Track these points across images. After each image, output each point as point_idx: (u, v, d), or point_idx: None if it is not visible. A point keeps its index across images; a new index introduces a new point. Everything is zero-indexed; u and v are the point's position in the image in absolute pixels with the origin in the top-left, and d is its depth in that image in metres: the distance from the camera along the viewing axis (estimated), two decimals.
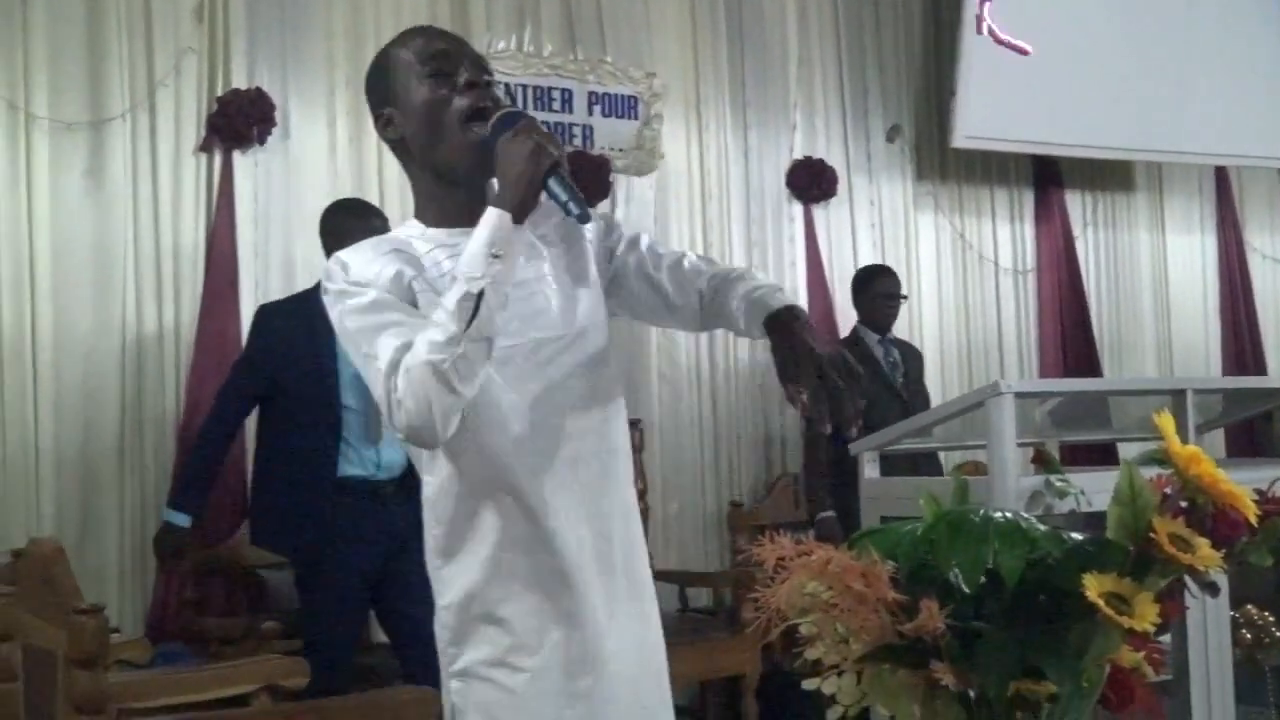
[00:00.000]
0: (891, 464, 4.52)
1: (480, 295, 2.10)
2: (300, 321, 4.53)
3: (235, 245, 5.47)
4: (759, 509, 6.63)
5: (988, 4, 7.13)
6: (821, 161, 7.12)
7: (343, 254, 2.31)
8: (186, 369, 5.36)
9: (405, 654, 4.59)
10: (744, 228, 6.90)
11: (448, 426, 2.14)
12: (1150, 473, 1.70)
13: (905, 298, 6.53)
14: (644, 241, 2.48)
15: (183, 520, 4.87)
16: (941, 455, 6.16)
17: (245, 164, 5.54)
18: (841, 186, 7.20)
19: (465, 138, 2.28)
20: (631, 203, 6.50)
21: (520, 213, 2.17)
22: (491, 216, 2.16)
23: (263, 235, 5.58)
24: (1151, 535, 1.63)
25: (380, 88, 2.41)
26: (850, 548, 1.71)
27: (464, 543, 2.28)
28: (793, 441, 6.82)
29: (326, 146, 5.76)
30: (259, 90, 5.51)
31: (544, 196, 2.19)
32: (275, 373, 4.67)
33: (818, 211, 7.15)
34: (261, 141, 5.54)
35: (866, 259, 7.13)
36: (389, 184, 5.84)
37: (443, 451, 2.26)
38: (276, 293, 5.56)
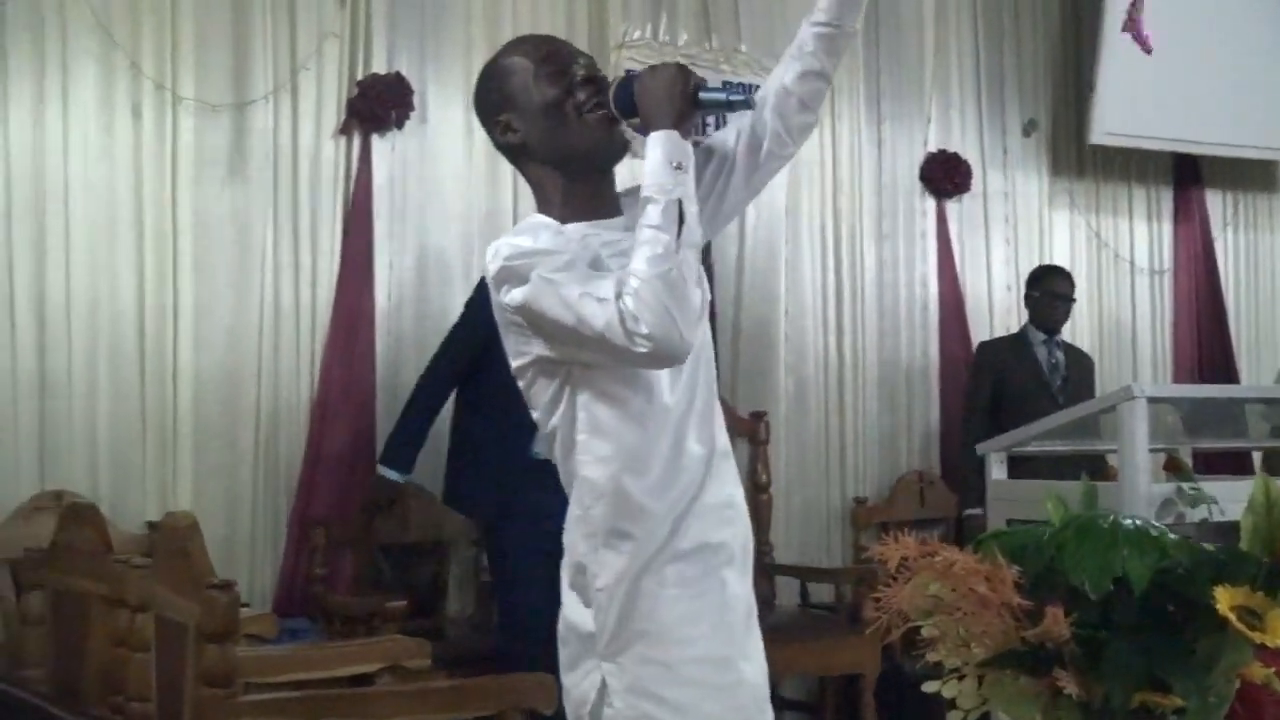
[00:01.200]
0: (1031, 467, 4.48)
1: (680, 202, 2.18)
2: None
3: (371, 228, 5.55)
4: (883, 506, 6.59)
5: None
6: (956, 155, 7.05)
7: (509, 238, 2.33)
8: (322, 348, 5.45)
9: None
10: (875, 220, 6.85)
11: (691, 334, 2.19)
12: None
13: (1074, 300, 6.48)
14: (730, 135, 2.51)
15: (394, 475, 5.10)
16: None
17: (383, 147, 5.61)
18: (975, 181, 7.12)
19: (591, 119, 2.34)
20: (761, 192, 6.46)
21: (682, 125, 2.24)
22: (657, 137, 2.23)
23: (399, 218, 5.65)
24: None
25: (493, 96, 2.43)
26: (975, 550, 1.70)
27: (628, 525, 2.31)
28: (919, 438, 6.78)
29: (463, 131, 5.81)
30: (398, 75, 5.57)
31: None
32: (479, 353, 4.73)
33: (951, 206, 7.08)
34: (400, 125, 5.60)
35: (999, 256, 7.07)
36: None
37: (603, 428, 2.30)
38: (409, 275, 5.63)
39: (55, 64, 5.05)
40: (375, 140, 5.58)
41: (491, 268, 2.31)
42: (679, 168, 2.20)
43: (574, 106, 2.35)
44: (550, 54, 2.39)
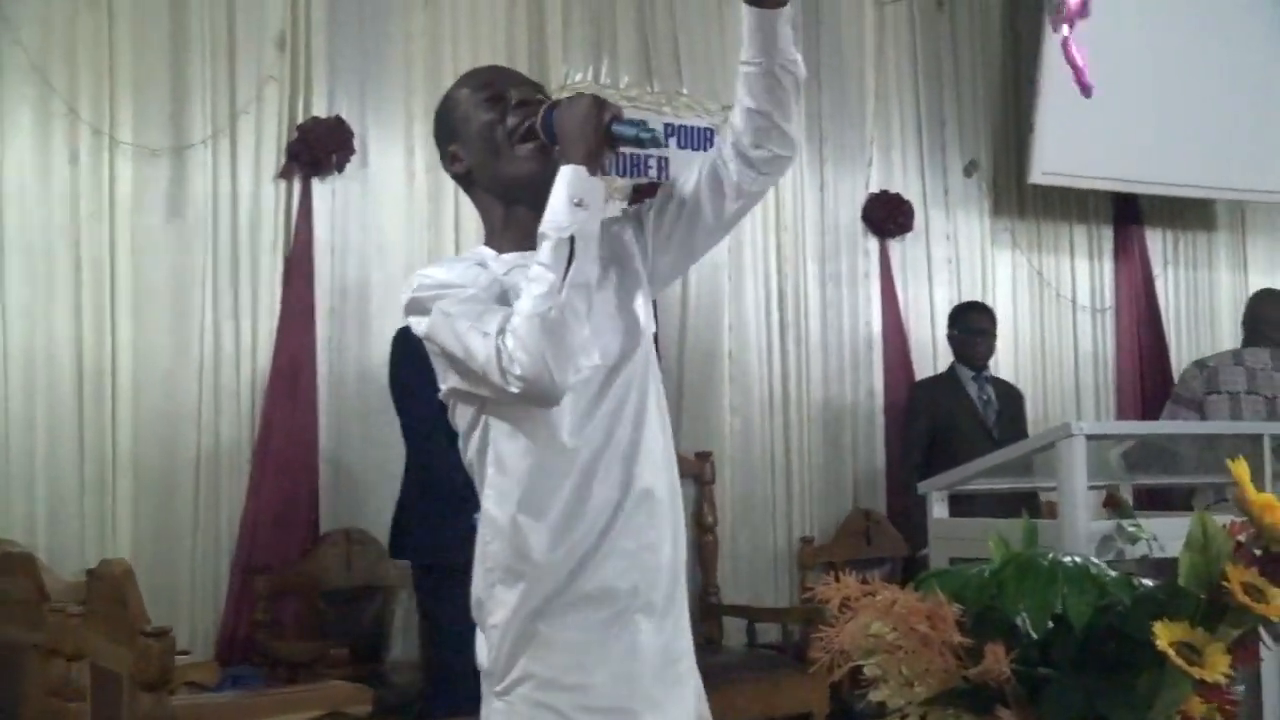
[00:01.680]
0: (975, 505, 4.48)
1: (572, 240, 2.16)
2: None
3: (312, 271, 5.52)
4: (828, 545, 6.59)
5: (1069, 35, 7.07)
6: (898, 196, 7.09)
7: (426, 269, 2.36)
8: (263, 393, 5.40)
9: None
10: (819, 262, 6.88)
11: (564, 377, 2.17)
12: (1224, 519, 1.67)
13: (994, 334, 6.50)
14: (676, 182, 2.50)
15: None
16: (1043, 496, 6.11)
17: (324, 191, 5.59)
18: (918, 221, 7.17)
19: (523, 149, 2.33)
20: (730, 231, 6.46)
21: (592, 161, 2.22)
22: (566, 172, 2.21)
23: (339, 262, 5.62)
24: (1224, 584, 1.60)
25: (444, 127, 2.47)
26: (916, 588, 1.69)
27: (521, 565, 2.27)
28: (864, 478, 6.79)
29: (404, 174, 5.80)
30: (338, 118, 5.56)
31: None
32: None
33: (894, 246, 7.12)
34: (340, 169, 5.59)
35: (942, 295, 7.10)
36: (464, 213, 5.86)
37: (505, 464, 2.27)
38: (352, 319, 5.60)
39: None
40: (315, 184, 5.55)
41: (403, 297, 2.35)
42: (579, 204, 2.18)
43: (505, 134, 2.35)
44: (488, 81, 2.42)
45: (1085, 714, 1.56)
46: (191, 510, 5.27)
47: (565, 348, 2.15)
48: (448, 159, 2.46)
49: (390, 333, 5.47)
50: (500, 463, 2.28)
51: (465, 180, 2.44)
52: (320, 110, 5.57)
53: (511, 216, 2.38)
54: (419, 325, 2.29)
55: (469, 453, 2.35)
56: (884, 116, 7.19)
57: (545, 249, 2.17)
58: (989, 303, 7.33)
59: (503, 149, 2.35)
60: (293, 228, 5.51)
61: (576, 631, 2.26)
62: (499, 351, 2.14)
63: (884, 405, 6.95)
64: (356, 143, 5.60)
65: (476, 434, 2.32)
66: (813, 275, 6.86)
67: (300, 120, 5.53)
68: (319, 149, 5.50)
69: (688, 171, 2.48)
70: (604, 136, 2.23)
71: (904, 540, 6.28)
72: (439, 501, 4.66)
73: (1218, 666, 1.55)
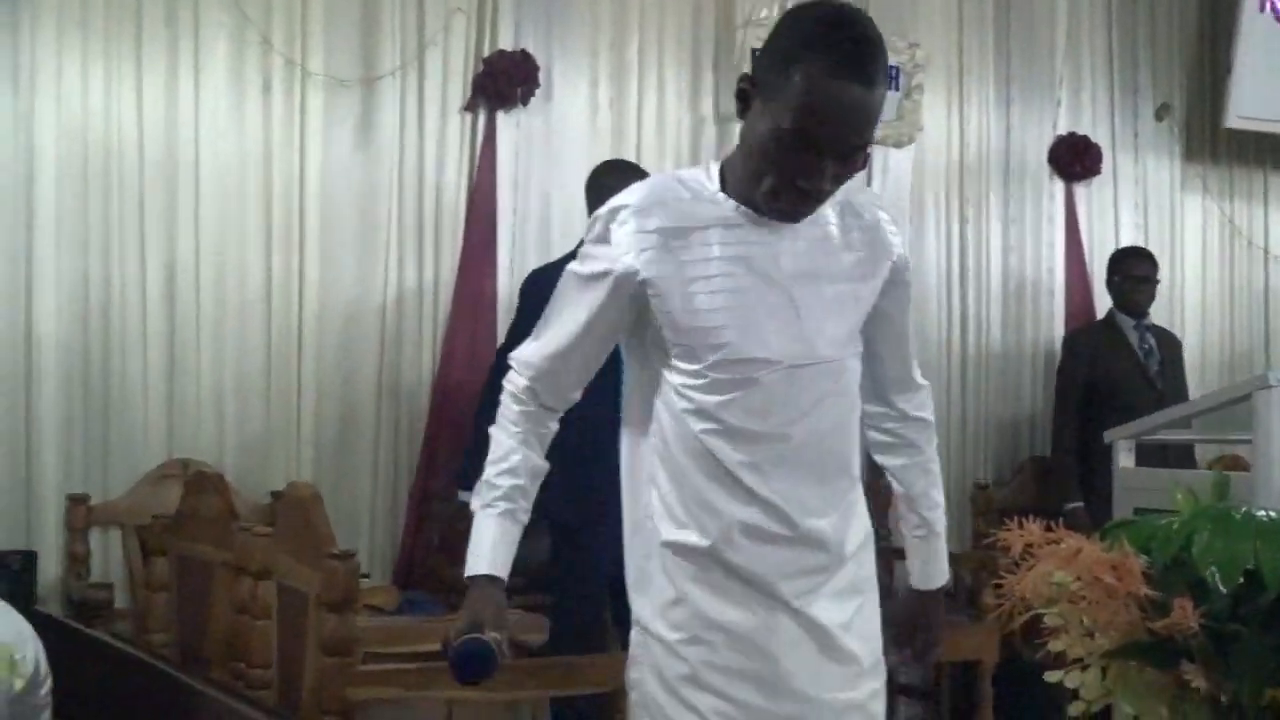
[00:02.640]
0: (1142, 455, 4.39)
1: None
2: None
3: (495, 205, 5.57)
4: (1003, 492, 6.51)
5: None
6: (1086, 138, 6.93)
7: (631, 198, 2.24)
8: (444, 325, 5.49)
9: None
10: (1002, 205, 6.76)
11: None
12: None
13: (1158, 281, 6.30)
14: (908, 330, 2.43)
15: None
16: (1197, 450, 5.97)
17: (508, 124, 5.63)
18: (1106, 165, 7.00)
19: (764, 198, 2.16)
20: (888, 174, 6.41)
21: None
22: (471, 564, 2.40)
23: (523, 196, 5.67)
24: None
25: (765, 67, 2.14)
26: (1102, 539, 1.67)
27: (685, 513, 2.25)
28: (1042, 425, 6.67)
29: (588, 109, 5.83)
30: (524, 52, 5.59)
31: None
32: None
33: (1080, 190, 6.96)
34: (525, 102, 5.62)
35: (1129, 241, 6.92)
36: (647, 148, 5.88)
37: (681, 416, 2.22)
38: (533, 254, 5.65)
39: (188, 37, 5.13)
40: (501, 117, 5.60)
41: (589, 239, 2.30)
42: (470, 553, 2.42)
43: (775, 178, 2.12)
44: (815, 124, 2.06)
45: (1276, 672, 1.53)
46: (373, 437, 5.39)
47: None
48: (744, 85, 2.17)
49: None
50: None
51: (740, 113, 2.21)
52: (506, 43, 5.60)
53: (748, 178, 2.18)
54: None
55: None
56: (1074, 56, 7.02)
57: (476, 512, 2.46)
58: (1176, 250, 7.17)
59: (760, 175, 2.14)
60: (477, 160, 5.57)
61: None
62: (504, 373, 2.36)
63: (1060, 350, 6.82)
64: (542, 76, 5.63)
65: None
66: (995, 219, 6.75)
67: (486, 53, 5.57)
68: (504, 82, 5.54)
69: (903, 320, 2.41)
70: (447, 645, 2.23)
71: (1055, 491, 6.07)
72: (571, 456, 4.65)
73: None
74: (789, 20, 2.18)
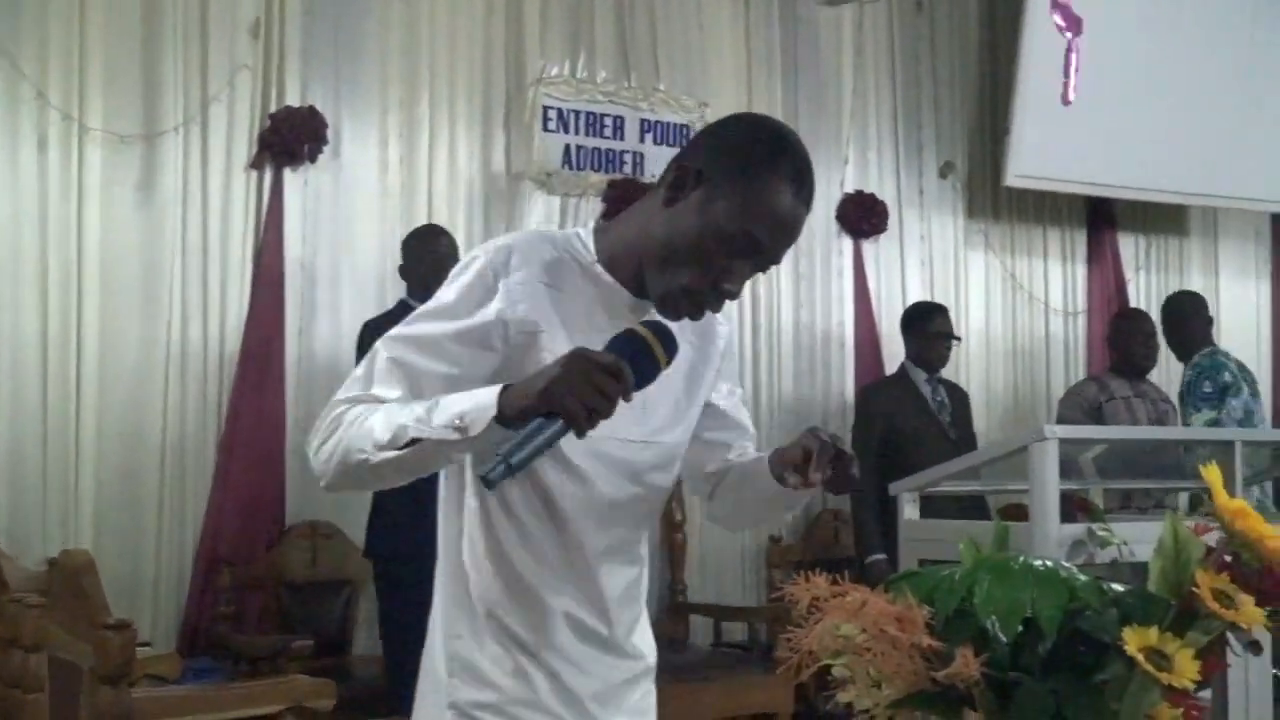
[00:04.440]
0: (938, 506, 4.46)
1: (420, 441, 1.94)
2: None
3: (283, 261, 5.49)
4: (798, 545, 6.57)
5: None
6: (873, 196, 7.08)
7: (517, 243, 2.12)
8: (230, 384, 5.37)
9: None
10: (792, 261, 6.86)
11: (338, 491, 2.10)
12: (1194, 524, 1.66)
13: (959, 339, 6.43)
14: (739, 407, 2.43)
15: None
16: (990, 498, 6.09)
17: (295, 181, 5.56)
18: (892, 222, 7.16)
19: (669, 293, 2.09)
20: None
21: (508, 418, 1.92)
22: (486, 397, 1.94)
23: (310, 252, 5.59)
24: (1195, 589, 1.58)
25: (720, 166, 2.09)
26: (886, 590, 1.67)
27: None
28: None
29: (377, 166, 5.78)
30: (312, 108, 5.53)
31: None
32: None
33: (868, 246, 7.11)
34: (313, 159, 5.55)
35: (916, 295, 7.07)
36: (438, 206, 5.85)
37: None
38: (322, 311, 5.57)
39: None
40: (288, 174, 5.52)
41: (470, 263, 2.13)
42: (459, 427, 1.92)
43: (684, 281, 2.07)
44: (767, 233, 2.09)
45: (1054, 718, 1.55)
46: (156, 501, 5.24)
47: (353, 484, 2.06)
48: (683, 169, 2.11)
49: (359, 325, 5.46)
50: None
51: (668, 191, 2.12)
52: (294, 99, 5.54)
53: (632, 264, 2.13)
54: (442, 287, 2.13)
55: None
56: (861, 116, 7.18)
57: (405, 416, 1.96)
58: (961, 304, 7.34)
59: (686, 264, 2.07)
60: (264, 217, 5.48)
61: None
62: (323, 416, 2.06)
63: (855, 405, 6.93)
64: (330, 133, 5.58)
65: None
66: (786, 275, 6.85)
67: (273, 109, 5.49)
68: (291, 139, 5.47)
69: (736, 414, 2.42)
70: (529, 414, 1.91)
71: (854, 546, 6.14)
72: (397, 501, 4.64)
73: (1186, 672, 1.53)
74: (748, 128, 2.15)
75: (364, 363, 2.10)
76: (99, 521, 5.12)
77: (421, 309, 2.13)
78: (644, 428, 2.19)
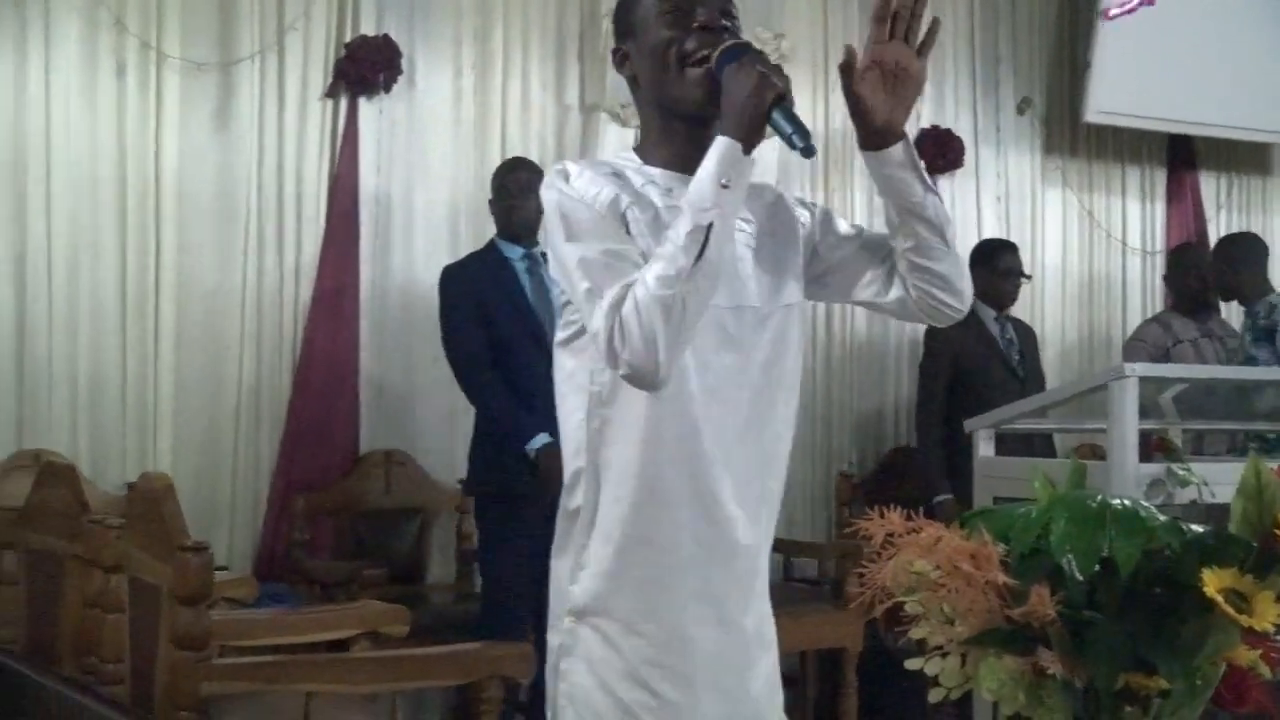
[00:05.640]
0: (1005, 445, 4.43)
1: (710, 227, 2.02)
2: (488, 282, 4.58)
3: (357, 191, 5.51)
4: (868, 481, 6.56)
5: None
6: (949, 131, 7.00)
7: (566, 164, 2.22)
8: (304, 315, 5.41)
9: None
10: (867, 195, 6.80)
11: (671, 364, 2.04)
12: (1277, 465, 1.64)
13: (1029, 277, 6.37)
14: (839, 222, 2.40)
15: (545, 438, 4.47)
16: (1056, 438, 6.05)
17: (370, 111, 5.56)
18: (968, 158, 7.08)
19: (691, 74, 2.18)
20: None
21: (747, 143, 2.08)
22: (720, 145, 2.07)
23: (384, 182, 5.60)
24: (1276, 531, 1.57)
25: (621, 22, 2.31)
26: (961, 527, 1.67)
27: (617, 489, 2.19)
28: (907, 415, 6.73)
29: (451, 97, 5.77)
30: (386, 37, 5.52)
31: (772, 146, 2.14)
32: (480, 327, 4.63)
33: (943, 182, 7.03)
34: (387, 89, 5.56)
35: (991, 233, 7.00)
36: (511, 138, 5.84)
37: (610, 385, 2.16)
38: (396, 241, 5.60)
39: (38, 19, 5.00)
40: (362, 103, 5.53)
41: (544, 191, 2.21)
42: (725, 186, 2.04)
43: (678, 55, 2.19)
44: None
45: (1130, 659, 1.54)
46: (233, 427, 5.30)
47: (681, 335, 2.02)
48: (617, 56, 2.32)
49: (434, 256, 5.48)
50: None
51: (632, 84, 2.31)
52: (368, 29, 5.53)
53: (668, 130, 2.26)
54: (551, 233, 2.17)
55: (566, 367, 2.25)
56: (938, 50, 6.95)
57: (682, 228, 2.02)
58: (1037, 242, 7.27)
59: (672, 69, 2.20)
60: (338, 147, 5.49)
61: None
62: (613, 329, 2.02)
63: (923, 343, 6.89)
64: (404, 63, 5.57)
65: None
66: (860, 209, 6.80)
67: (348, 38, 5.49)
68: (366, 68, 5.47)
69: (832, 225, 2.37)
70: (762, 119, 2.08)
71: (921, 484, 6.10)
72: (491, 435, 4.68)
73: (1267, 615, 1.52)
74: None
75: (582, 278, 2.10)
76: (177, 448, 5.19)
77: (562, 242, 2.15)
78: (742, 297, 2.21)
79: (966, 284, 2.27)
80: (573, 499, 2.24)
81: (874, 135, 2.16)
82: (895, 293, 2.28)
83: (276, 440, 5.35)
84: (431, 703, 5.15)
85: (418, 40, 5.69)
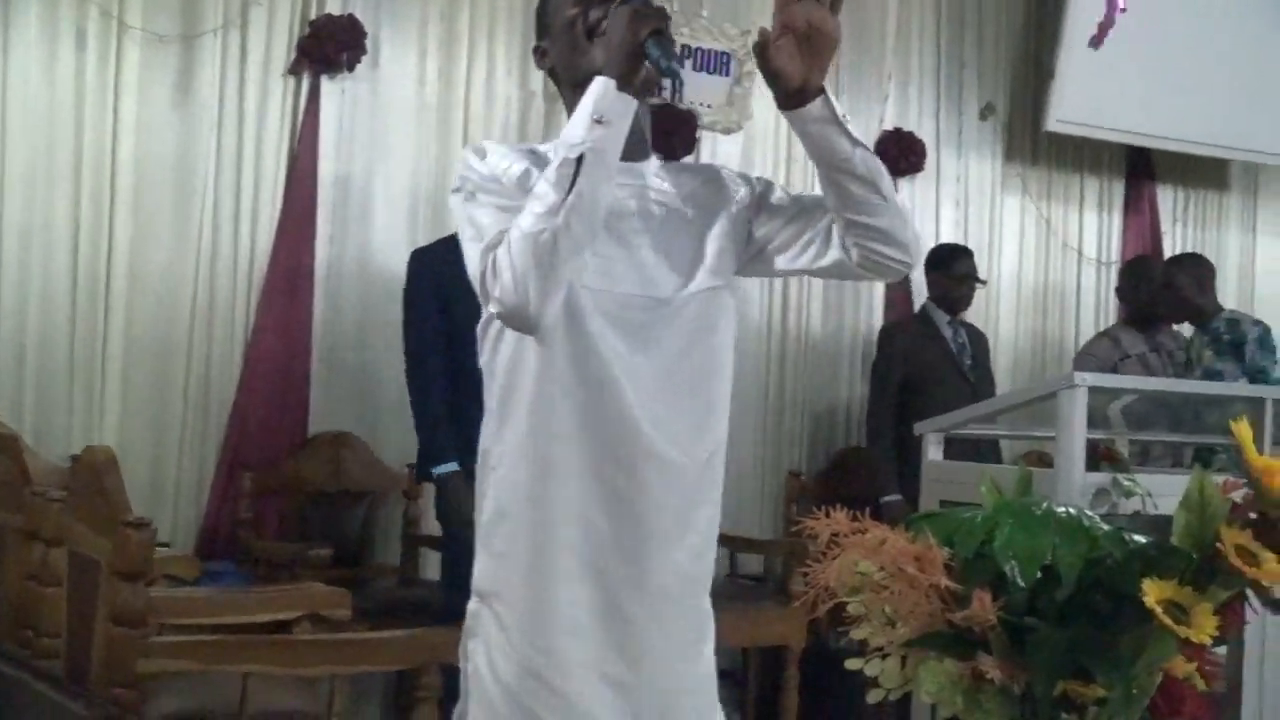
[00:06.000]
0: (953, 449, 4.45)
1: (581, 160, 2.01)
2: (451, 267, 4.53)
3: (316, 171, 5.47)
4: (818, 480, 6.57)
5: None
6: (911, 134, 7.02)
7: (483, 143, 2.26)
8: (259, 290, 5.37)
9: None
10: None
11: (544, 306, 2.04)
12: (1222, 480, 1.65)
13: (984, 282, 6.39)
14: (777, 192, 2.38)
15: (452, 466, 4.49)
16: (1004, 445, 6.08)
17: (332, 90, 5.53)
18: (929, 161, 7.10)
19: (594, 45, 2.21)
20: (715, 160, 6.41)
21: (623, 79, 2.08)
22: (596, 84, 2.08)
23: (344, 162, 5.57)
24: (1218, 545, 1.58)
25: (539, 24, 2.38)
26: (907, 529, 1.67)
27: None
28: (858, 415, 6.74)
29: (415, 78, 5.74)
30: (351, 16, 5.48)
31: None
32: (441, 314, 4.59)
33: (903, 185, 7.04)
34: (350, 68, 5.52)
35: (949, 237, 7.02)
36: (474, 121, 5.82)
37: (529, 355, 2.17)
38: (354, 222, 5.57)
39: None
40: (325, 82, 5.49)
41: (456, 170, 2.25)
42: (600, 121, 2.04)
43: (585, 28, 2.24)
44: None
45: (1068, 666, 1.54)
46: (181, 402, 5.25)
47: (553, 274, 2.02)
48: (537, 55, 2.38)
49: (392, 239, 5.46)
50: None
51: (554, 78, 2.36)
52: (334, 7, 5.50)
53: (575, 75, 2.26)
54: (454, 205, 2.22)
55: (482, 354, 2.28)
56: (903, 53, 7.11)
57: (552, 165, 2.04)
58: (994, 248, 7.30)
59: (579, 43, 2.25)
60: (299, 125, 5.45)
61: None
62: (485, 269, 2.05)
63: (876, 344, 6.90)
64: (369, 43, 5.53)
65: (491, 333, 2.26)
66: None
67: (313, 16, 5.46)
68: (330, 46, 5.43)
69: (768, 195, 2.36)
70: (637, 51, 2.08)
71: (872, 485, 6.12)
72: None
73: (1204, 628, 1.53)
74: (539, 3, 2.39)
75: (472, 233, 2.14)
76: (123, 422, 5.14)
77: (460, 204, 2.20)
78: (659, 287, 2.22)
79: (911, 235, 2.23)
80: (484, 480, 2.25)
81: (792, 96, 2.11)
82: (833, 255, 2.25)
83: (225, 417, 5.31)
84: (372, 687, 5.13)
85: (383, 20, 5.65)
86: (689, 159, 6.18)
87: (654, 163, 2.33)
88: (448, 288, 4.59)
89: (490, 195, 2.14)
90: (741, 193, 2.35)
